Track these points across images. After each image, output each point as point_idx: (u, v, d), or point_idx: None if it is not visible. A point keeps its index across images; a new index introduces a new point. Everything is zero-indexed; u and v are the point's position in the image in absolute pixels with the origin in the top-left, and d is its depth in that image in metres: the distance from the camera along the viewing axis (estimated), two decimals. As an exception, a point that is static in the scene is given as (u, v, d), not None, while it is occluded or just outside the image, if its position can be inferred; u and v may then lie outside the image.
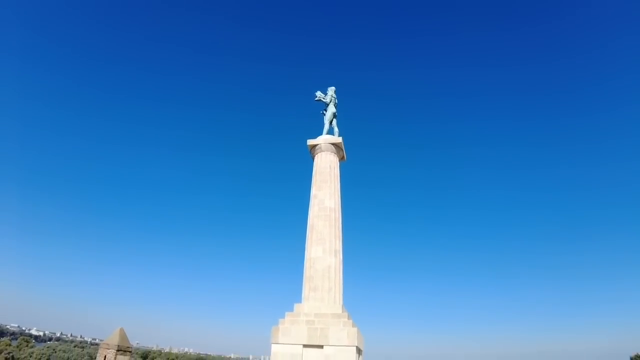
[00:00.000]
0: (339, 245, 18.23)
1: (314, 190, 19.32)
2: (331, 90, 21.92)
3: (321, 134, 20.98)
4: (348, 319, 16.31)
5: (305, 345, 15.63)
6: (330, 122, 21.37)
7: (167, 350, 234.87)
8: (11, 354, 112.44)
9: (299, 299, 17.68)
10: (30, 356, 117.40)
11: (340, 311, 16.59)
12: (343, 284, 17.89)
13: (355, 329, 15.68)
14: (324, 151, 20.10)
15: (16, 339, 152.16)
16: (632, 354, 49.95)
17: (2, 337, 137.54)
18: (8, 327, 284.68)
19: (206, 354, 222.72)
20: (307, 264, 17.87)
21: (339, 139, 20.47)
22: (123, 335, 27.88)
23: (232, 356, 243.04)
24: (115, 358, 27.43)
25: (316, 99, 21.80)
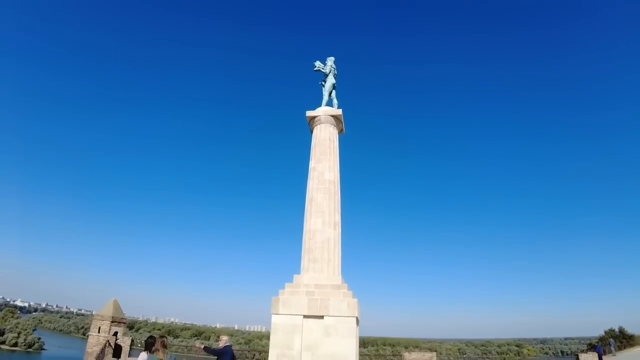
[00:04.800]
0: (338, 217, 18.30)
1: (312, 163, 19.17)
2: (330, 61, 21.34)
3: (320, 106, 20.64)
4: (348, 290, 16.59)
5: (305, 316, 15.87)
6: (330, 94, 20.95)
7: (153, 320, 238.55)
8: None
9: (297, 271, 17.83)
10: (17, 327, 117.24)
11: (339, 282, 16.84)
12: (342, 255, 18.11)
13: (355, 300, 15.97)
14: (323, 123, 19.81)
15: (1, 310, 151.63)
16: (606, 329, 52.55)
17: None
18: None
19: (192, 324, 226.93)
20: (306, 236, 17.93)
21: (339, 111, 20.16)
22: (117, 307, 27.90)
23: (218, 325, 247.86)
24: (110, 329, 27.51)
25: (315, 69, 21.22)
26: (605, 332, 51.37)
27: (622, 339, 47.63)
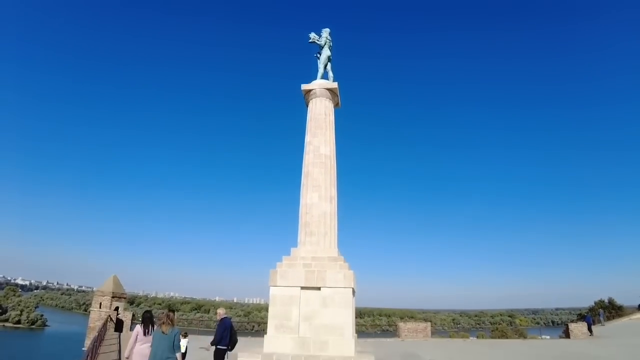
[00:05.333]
0: (334, 192, 18.37)
1: (308, 137, 19.06)
2: (325, 32, 20.85)
3: (315, 79, 20.32)
4: (344, 262, 16.84)
5: (302, 288, 16.16)
6: (325, 66, 20.56)
7: (153, 295, 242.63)
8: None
9: (294, 244, 18.03)
10: (19, 305, 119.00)
11: (336, 255, 17.08)
12: (338, 229, 18.30)
13: (351, 272, 16.24)
14: (318, 97, 19.57)
15: (2, 288, 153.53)
16: (596, 300, 53.75)
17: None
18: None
19: (192, 298, 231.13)
20: (302, 210, 18.05)
21: (335, 84, 19.88)
22: (117, 282, 28.30)
23: (217, 299, 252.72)
24: (111, 304, 27.98)
25: (310, 40, 20.75)
26: (595, 303, 52.72)
27: (612, 310, 49.00)
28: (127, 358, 8.96)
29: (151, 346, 7.75)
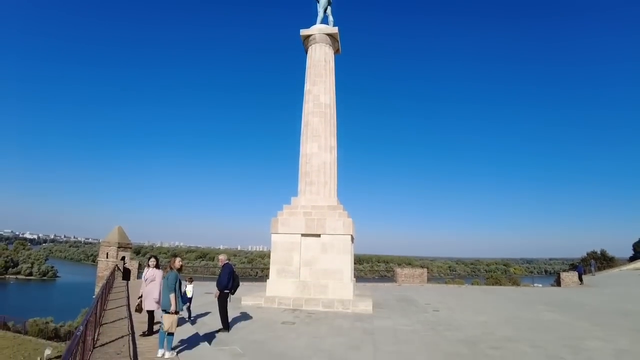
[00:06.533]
0: (333, 141, 18.29)
1: (308, 85, 18.66)
2: None
3: (315, 24, 19.54)
4: (343, 210, 17.14)
5: (303, 235, 16.59)
6: (325, 10, 19.67)
7: (158, 245, 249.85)
8: (10, 257, 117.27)
9: (294, 194, 18.25)
10: (29, 258, 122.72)
11: (335, 203, 17.36)
12: (338, 178, 18.43)
13: (350, 220, 16.57)
14: (318, 42, 18.92)
15: (12, 243, 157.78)
16: (589, 251, 55.02)
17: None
18: (1, 233, 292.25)
19: (196, 247, 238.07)
20: (302, 159, 18.08)
21: (335, 29, 19.12)
22: (122, 233, 28.94)
23: (221, 247, 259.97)
24: (117, 254, 28.79)
25: (309, -18, 19.77)
26: (588, 254, 54.15)
27: (603, 261, 50.41)
28: (140, 297, 9.46)
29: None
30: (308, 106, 18.35)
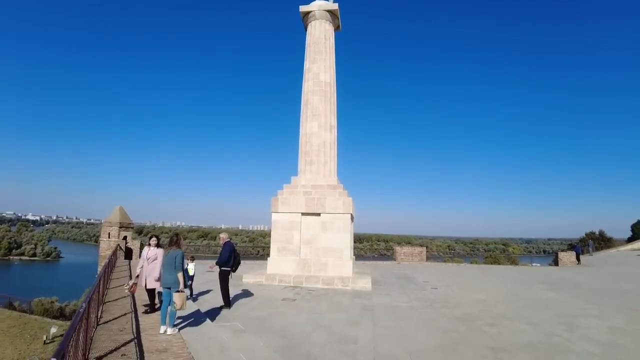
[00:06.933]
0: (334, 120, 18.14)
1: (307, 64, 18.37)
2: None
3: (314, 0, 19.09)
4: (343, 189, 17.16)
5: (303, 214, 16.66)
6: (324, -14, 19.23)
7: (160, 225, 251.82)
8: (13, 239, 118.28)
9: (294, 173, 18.24)
10: (32, 239, 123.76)
11: (335, 183, 17.36)
12: (338, 158, 18.37)
13: (350, 199, 16.60)
14: (318, 19, 18.52)
15: (14, 225, 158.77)
16: (588, 231, 55.29)
17: (1, 224, 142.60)
18: (4, 214, 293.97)
19: (198, 226, 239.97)
20: (302, 139, 17.98)
21: (335, 5, 18.69)
22: (123, 213, 29.10)
23: (223, 226, 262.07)
24: (119, 234, 29.01)
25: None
26: (586, 235, 54.50)
27: (601, 241, 50.74)
28: (137, 276, 9.66)
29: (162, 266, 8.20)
30: (308, 85, 18.13)
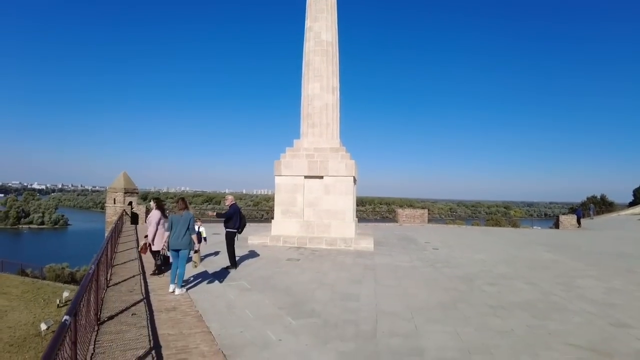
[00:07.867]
0: (336, 82, 17.74)
1: (308, 22, 17.73)
2: None
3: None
4: (346, 152, 17.07)
5: (306, 177, 16.69)
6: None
7: (164, 190, 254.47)
8: (21, 208, 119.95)
9: (297, 136, 18.08)
10: (39, 207, 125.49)
11: (338, 146, 17.25)
12: (340, 120, 18.15)
13: (352, 162, 16.55)
14: (318, -25, 17.73)
15: (21, 194, 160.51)
16: (589, 195, 55.31)
17: (7, 194, 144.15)
18: (10, 184, 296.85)
19: (202, 191, 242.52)
20: (304, 101, 17.68)
21: (336, -39, 17.86)
22: (127, 178, 29.24)
23: (227, 191, 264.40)
24: (124, 200, 29.28)
25: None
26: (588, 199, 54.72)
27: (602, 205, 50.99)
28: (151, 241, 9.51)
29: (170, 228, 8.29)
30: (309, 44, 17.59)
